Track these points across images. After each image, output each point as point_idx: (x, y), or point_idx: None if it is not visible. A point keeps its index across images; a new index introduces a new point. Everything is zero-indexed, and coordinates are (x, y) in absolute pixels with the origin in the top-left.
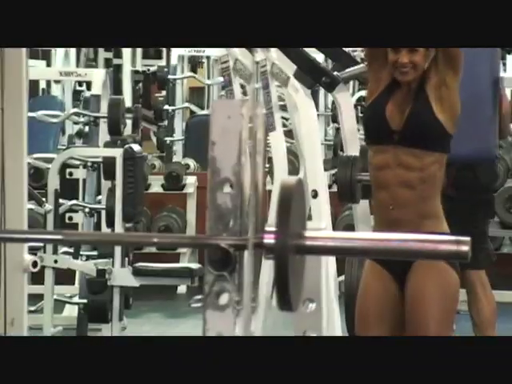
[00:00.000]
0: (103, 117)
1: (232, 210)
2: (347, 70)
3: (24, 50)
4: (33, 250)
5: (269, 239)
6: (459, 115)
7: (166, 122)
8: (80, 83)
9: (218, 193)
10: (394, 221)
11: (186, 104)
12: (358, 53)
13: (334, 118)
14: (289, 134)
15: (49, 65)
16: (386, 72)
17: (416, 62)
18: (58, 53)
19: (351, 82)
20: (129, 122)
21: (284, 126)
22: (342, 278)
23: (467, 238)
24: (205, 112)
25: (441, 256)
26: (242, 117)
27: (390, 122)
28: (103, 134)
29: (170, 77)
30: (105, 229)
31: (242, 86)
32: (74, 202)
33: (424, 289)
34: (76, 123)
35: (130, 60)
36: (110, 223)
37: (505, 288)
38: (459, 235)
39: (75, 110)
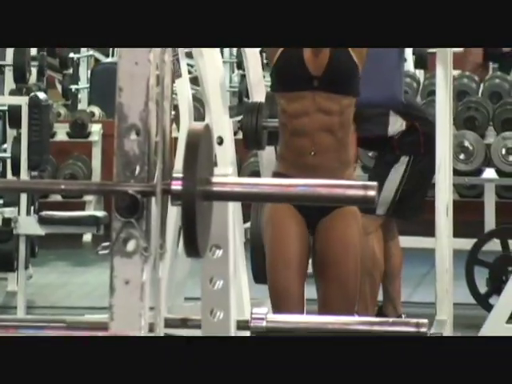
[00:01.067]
0: (8, 65)
1: (139, 156)
2: None
3: None
4: None
5: (176, 185)
6: (366, 56)
7: (71, 70)
8: None
9: (125, 139)
10: (314, 167)
11: (91, 51)
12: None
13: (240, 65)
14: (194, 80)
15: None
16: None
17: None
18: None
19: None
20: (34, 70)
21: (189, 72)
22: (248, 224)
23: (374, 183)
24: (109, 60)
25: (348, 201)
26: (150, 63)
27: (310, 69)
28: (8, 83)
29: None
30: (10, 177)
31: None
32: None
33: (345, 239)
34: None
35: None
36: (16, 171)
37: (410, 233)
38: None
39: None
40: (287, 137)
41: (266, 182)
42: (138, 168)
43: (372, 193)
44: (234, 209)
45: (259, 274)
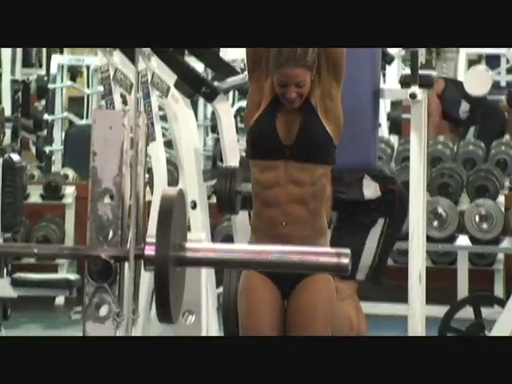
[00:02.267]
0: None
1: (112, 221)
2: (227, 80)
3: None
4: None
5: (149, 251)
6: (342, 126)
7: (45, 132)
8: None
9: (99, 203)
10: (286, 237)
11: (66, 113)
12: (238, 63)
13: (214, 129)
14: (168, 144)
15: None
16: (268, 84)
17: (303, 93)
18: None
19: (231, 93)
20: (8, 132)
21: (164, 135)
22: (221, 289)
23: (347, 250)
24: (84, 122)
25: (322, 268)
26: (124, 127)
27: (281, 137)
28: None
29: (49, 86)
30: None
31: (122, 96)
32: None
33: (314, 309)
34: None
35: (10, 69)
36: None
37: (383, 300)
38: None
39: None
40: (259, 206)
41: (239, 249)
42: (111, 232)
43: (345, 260)
44: (207, 274)
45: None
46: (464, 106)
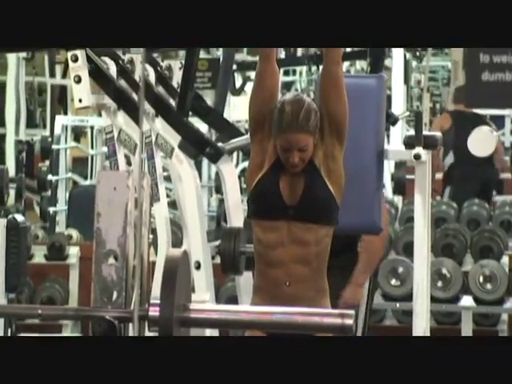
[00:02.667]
0: None
1: (117, 282)
2: (231, 141)
3: None
4: None
5: (153, 312)
6: (343, 187)
7: (49, 192)
8: None
9: (103, 265)
10: (290, 297)
11: (70, 174)
12: (243, 123)
13: (218, 189)
14: (172, 204)
15: None
16: (271, 145)
17: (305, 157)
18: None
19: (235, 153)
20: (12, 192)
21: (168, 196)
22: None
23: (351, 312)
24: (88, 182)
25: (326, 329)
26: (128, 188)
27: (285, 198)
28: None
29: (53, 146)
30: None
31: (127, 157)
32: None
33: None
34: None
35: (14, 129)
36: None
37: None
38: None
39: None
40: (262, 267)
41: (244, 310)
42: (115, 293)
43: (349, 321)
44: (211, 333)
45: None
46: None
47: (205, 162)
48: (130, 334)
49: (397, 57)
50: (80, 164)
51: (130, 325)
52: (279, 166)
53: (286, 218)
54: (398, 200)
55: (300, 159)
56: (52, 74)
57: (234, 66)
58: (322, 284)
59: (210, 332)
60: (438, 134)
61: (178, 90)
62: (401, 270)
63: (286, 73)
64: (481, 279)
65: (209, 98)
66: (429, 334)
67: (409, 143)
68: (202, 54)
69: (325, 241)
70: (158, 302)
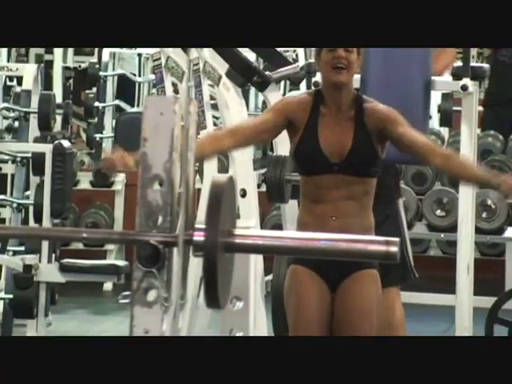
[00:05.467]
0: (33, 112)
1: (162, 206)
2: (279, 70)
3: None
4: None
5: (198, 237)
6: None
7: (96, 119)
8: (11, 78)
9: (149, 189)
10: (335, 231)
11: (117, 101)
12: (290, 53)
13: None
14: None
15: None
16: (298, 109)
17: (351, 61)
18: None
19: (282, 82)
20: (59, 119)
21: (215, 124)
22: (269, 277)
23: (396, 239)
24: (134, 109)
25: (370, 256)
26: (175, 114)
27: (329, 157)
28: (33, 130)
29: (101, 73)
30: (32, 224)
31: (174, 85)
32: (1, 196)
33: (361, 304)
34: (6, 118)
35: (62, 56)
36: (38, 219)
37: (430, 290)
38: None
39: (5, 104)
40: (307, 204)
41: (288, 236)
42: (160, 218)
43: (394, 249)
44: (255, 261)
45: (280, 327)
46: None
47: (252, 90)
48: (175, 258)
49: None
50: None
51: (175, 250)
52: (315, 120)
53: (332, 172)
54: (445, 132)
55: (345, 58)
56: None
57: None
58: (368, 221)
59: (253, 318)
60: (486, 65)
61: None
62: (446, 200)
63: None
64: None
65: None
66: (473, 266)
67: (456, 74)
68: None
69: (372, 181)
70: (203, 226)
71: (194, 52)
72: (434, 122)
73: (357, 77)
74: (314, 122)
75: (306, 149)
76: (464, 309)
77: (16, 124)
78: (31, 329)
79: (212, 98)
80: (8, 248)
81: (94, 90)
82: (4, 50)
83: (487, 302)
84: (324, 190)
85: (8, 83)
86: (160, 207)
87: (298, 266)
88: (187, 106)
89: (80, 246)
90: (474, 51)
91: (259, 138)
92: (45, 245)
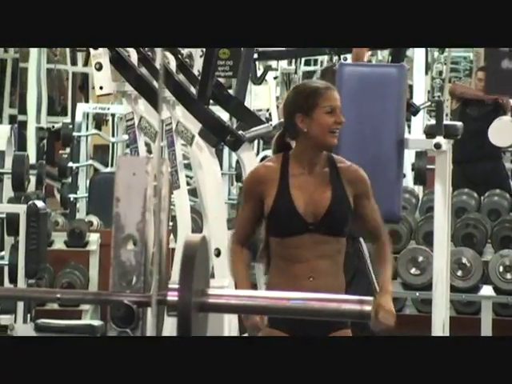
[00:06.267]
0: (7, 173)
1: (135, 266)
2: (252, 129)
3: None
4: None
5: (172, 296)
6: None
7: (69, 179)
8: None
9: (122, 249)
10: (311, 291)
11: (90, 161)
12: (264, 112)
13: (238, 177)
14: (193, 192)
15: None
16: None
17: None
18: None
19: (256, 142)
20: (33, 179)
21: (188, 184)
22: (245, 335)
23: (370, 298)
24: (109, 170)
25: (344, 315)
26: (147, 174)
27: (305, 217)
28: (7, 190)
29: (74, 134)
30: (7, 285)
31: (147, 144)
32: None
33: None
34: None
35: (35, 116)
36: (13, 279)
37: None
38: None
39: None
40: (282, 264)
41: (262, 295)
42: (134, 278)
43: (368, 308)
44: (229, 320)
45: None
46: None
47: (225, 149)
48: (149, 318)
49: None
50: (101, 151)
51: (149, 310)
52: (286, 181)
53: (307, 232)
54: (419, 190)
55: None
56: (73, 62)
57: (255, 55)
58: (342, 280)
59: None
60: (459, 123)
61: (199, 78)
62: (421, 259)
63: (307, 63)
64: (501, 269)
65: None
66: (448, 324)
67: (429, 133)
68: None
69: (344, 240)
70: (177, 286)
71: (166, 112)
72: (409, 180)
73: None
74: (285, 185)
75: (280, 210)
76: None
77: None
78: None
79: (185, 157)
80: None
81: (68, 150)
82: None
83: None
84: (300, 250)
85: None
86: (134, 267)
87: (273, 330)
88: (160, 166)
89: (55, 306)
90: (447, 109)
91: (259, 223)
92: (20, 305)
